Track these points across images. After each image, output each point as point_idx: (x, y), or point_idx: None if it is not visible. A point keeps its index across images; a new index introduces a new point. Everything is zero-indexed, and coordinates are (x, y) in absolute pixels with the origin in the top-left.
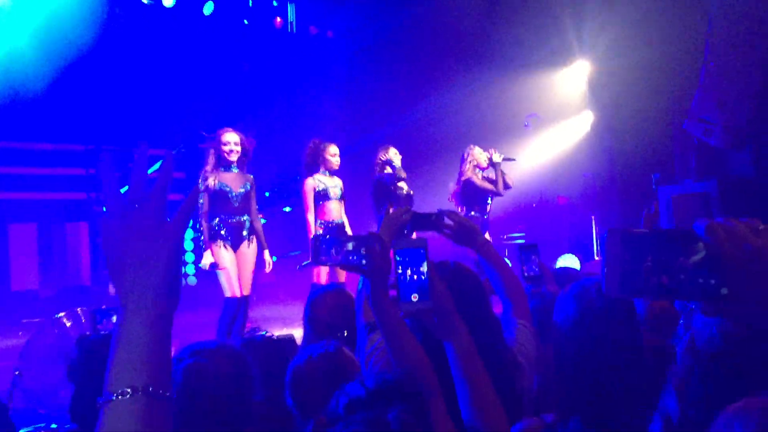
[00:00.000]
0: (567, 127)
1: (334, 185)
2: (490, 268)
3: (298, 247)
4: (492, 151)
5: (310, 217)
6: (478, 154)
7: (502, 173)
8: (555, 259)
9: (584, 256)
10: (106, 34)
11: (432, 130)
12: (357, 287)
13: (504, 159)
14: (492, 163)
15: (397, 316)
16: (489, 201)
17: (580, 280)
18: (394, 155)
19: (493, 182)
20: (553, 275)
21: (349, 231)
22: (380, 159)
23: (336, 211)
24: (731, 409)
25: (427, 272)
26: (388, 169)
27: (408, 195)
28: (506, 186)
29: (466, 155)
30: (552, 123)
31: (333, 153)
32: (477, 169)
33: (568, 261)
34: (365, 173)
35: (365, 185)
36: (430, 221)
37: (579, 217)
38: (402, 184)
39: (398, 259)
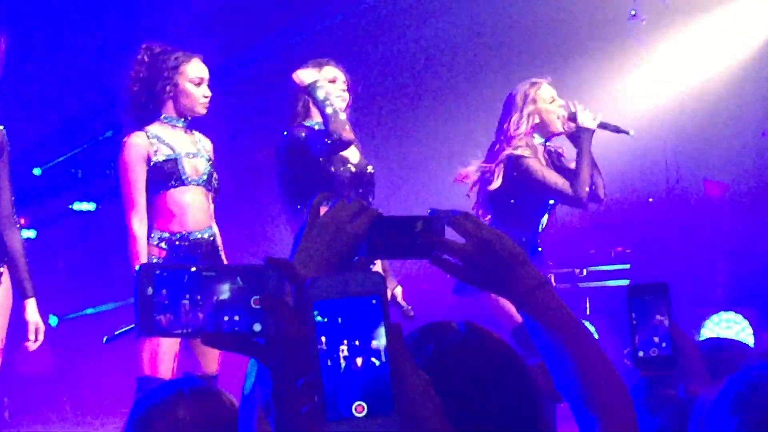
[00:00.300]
0: (718, 23)
1: (192, 151)
2: (551, 340)
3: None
4: (574, 105)
5: (136, 222)
6: (548, 102)
7: (594, 164)
8: (701, 319)
9: (761, 311)
10: None
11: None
12: (244, 383)
13: (606, 126)
14: (577, 130)
15: None
16: (546, 214)
17: (756, 368)
18: (330, 87)
19: (573, 173)
20: (700, 356)
21: (223, 257)
22: (299, 98)
23: (196, 209)
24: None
25: (386, 353)
26: (316, 119)
27: (363, 176)
28: (595, 197)
29: (518, 98)
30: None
31: (195, 76)
32: (539, 141)
33: (729, 326)
34: (263, 132)
35: (260, 156)
36: (412, 235)
37: (751, 227)
38: (351, 153)
39: (322, 320)
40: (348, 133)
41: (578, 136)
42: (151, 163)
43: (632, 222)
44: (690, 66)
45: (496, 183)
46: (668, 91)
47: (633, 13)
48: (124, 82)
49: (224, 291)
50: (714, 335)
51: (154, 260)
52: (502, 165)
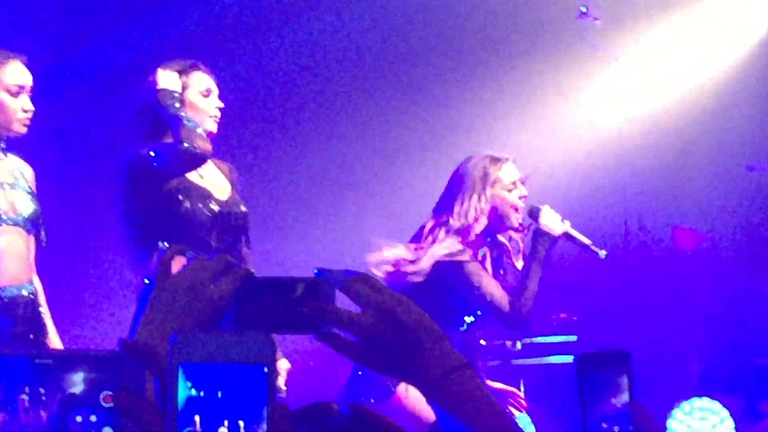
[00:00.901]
0: (692, 26)
1: (7, 180)
2: None
3: None
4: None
5: None
6: (508, 189)
7: (540, 276)
8: (667, 407)
9: (744, 397)
10: None
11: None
12: None
13: (572, 239)
14: (535, 233)
15: None
16: (469, 319)
17: None
18: (202, 102)
19: (516, 286)
20: None
21: (48, 323)
22: (150, 108)
23: (11, 257)
24: None
25: None
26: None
27: (230, 217)
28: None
29: (477, 175)
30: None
31: (12, 84)
32: (480, 230)
33: (704, 417)
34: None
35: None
36: (293, 302)
37: (732, 288)
38: (218, 186)
39: (195, 393)
40: (203, 143)
41: (535, 240)
42: None
43: (580, 281)
44: (657, 79)
45: (420, 277)
46: (629, 111)
47: (583, 9)
48: None
49: (76, 382)
50: (684, 429)
51: None
52: (437, 256)
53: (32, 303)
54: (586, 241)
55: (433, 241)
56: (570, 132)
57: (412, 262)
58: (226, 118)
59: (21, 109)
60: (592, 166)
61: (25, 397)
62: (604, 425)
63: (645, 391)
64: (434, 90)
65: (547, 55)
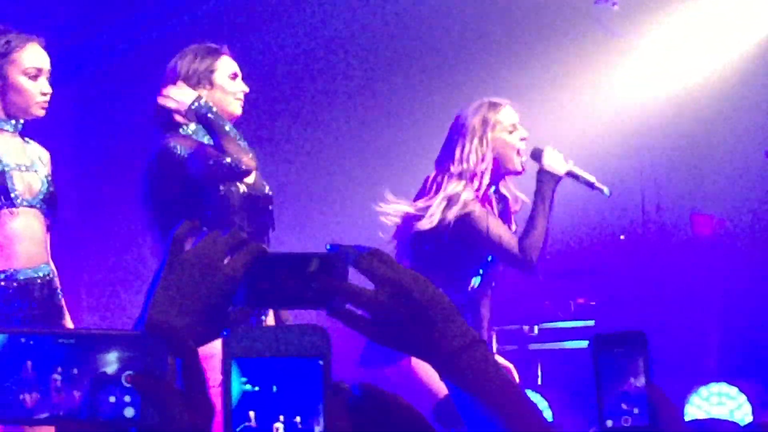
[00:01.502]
0: (711, 12)
1: (24, 163)
2: (484, 417)
3: None
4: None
5: None
6: (508, 131)
7: (547, 215)
8: (686, 392)
9: (762, 382)
10: None
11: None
12: None
13: (576, 177)
14: (539, 173)
15: None
16: (480, 273)
17: None
18: (232, 85)
19: (525, 227)
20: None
21: (63, 305)
22: (172, 96)
23: (28, 239)
24: None
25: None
26: (189, 130)
27: (259, 200)
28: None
29: (475, 122)
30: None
31: (31, 67)
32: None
33: (722, 402)
34: (125, 139)
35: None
36: (306, 277)
37: (750, 275)
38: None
39: (250, 388)
40: (248, 159)
41: (540, 180)
42: None
43: (598, 266)
44: (675, 66)
45: (428, 223)
46: (646, 97)
47: None
48: None
49: (110, 362)
50: (702, 414)
51: None
52: (444, 203)
53: (49, 285)
54: (591, 178)
55: (437, 191)
56: (588, 118)
57: (419, 216)
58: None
59: (40, 92)
60: (610, 151)
61: (57, 377)
62: (624, 406)
63: (663, 375)
64: (451, 76)
65: (565, 40)
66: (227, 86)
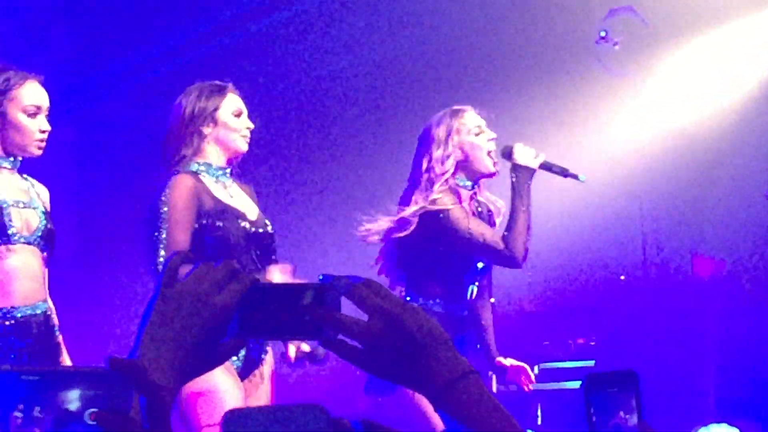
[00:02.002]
0: (713, 51)
1: (22, 199)
2: None
3: None
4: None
5: None
6: (474, 134)
7: (527, 209)
8: (686, 430)
9: (763, 423)
10: None
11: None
12: None
13: (549, 168)
14: (513, 169)
15: None
16: (476, 280)
17: None
18: (229, 119)
19: (506, 224)
20: None
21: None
22: (188, 126)
23: (26, 276)
24: None
25: None
26: (210, 158)
27: (260, 237)
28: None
29: (439, 130)
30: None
31: (30, 104)
32: (464, 183)
33: None
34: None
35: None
36: (298, 308)
37: (751, 316)
38: (248, 207)
39: None
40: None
41: (515, 176)
42: None
43: (598, 306)
44: (676, 104)
45: (406, 231)
46: (647, 135)
47: (603, 34)
48: None
49: (72, 399)
50: None
51: None
52: (418, 215)
53: (46, 322)
54: (564, 167)
55: (407, 204)
56: (589, 157)
57: (397, 224)
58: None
59: (38, 130)
60: (611, 191)
61: (18, 414)
62: None
63: (663, 416)
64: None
65: (566, 79)
66: (231, 123)
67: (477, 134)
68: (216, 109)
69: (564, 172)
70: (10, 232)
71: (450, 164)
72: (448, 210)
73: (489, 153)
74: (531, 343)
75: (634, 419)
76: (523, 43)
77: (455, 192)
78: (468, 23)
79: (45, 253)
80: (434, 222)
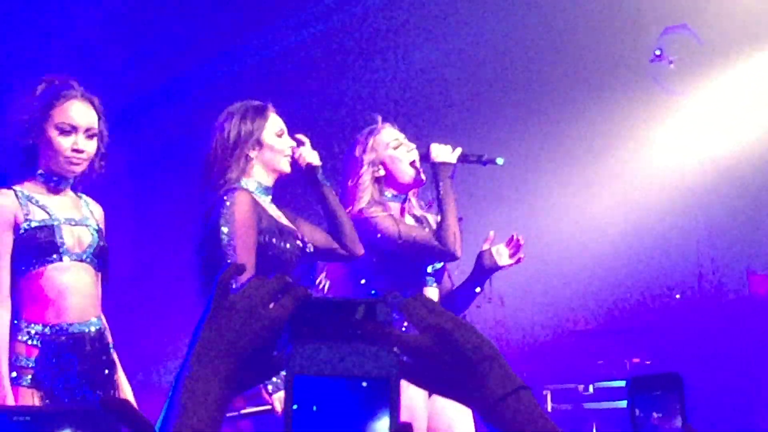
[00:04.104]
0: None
1: (74, 217)
2: None
3: None
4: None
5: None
6: (392, 148)
7: (453, 203)
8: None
9: None
10: None
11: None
12: None
13: (467, 158)
14: (433, 168)
15: None
16: (430, 276)
17: None
18: (273, 140)
19: (442, 219)
20: None
21: (115, 359)
22: (237, 147)
23: (78, 293)
24: None
25: None
26: (257, 178)
27: (306, 255)
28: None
29: (356, 151)
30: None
31: (64, 121)
32: (391, 196)
33: None
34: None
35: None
36: (350, 323)
37: None
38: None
39: (312, 408)
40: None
41: (435, 174)
42: (20, 231)
43: (653, 325)
44: (731, 121)
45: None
46: (703, 153)
47: (657, 53)
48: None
49: None
50: None
51: (23, 361)
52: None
53: (100, 339)
54: (480, 154)
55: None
56: (644, 174)
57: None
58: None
59: (70, 149)
60: (666, 209)
61: None
62: None
63: None
64: (504, 135)
65: (623, 98)
66: (276, 145)
67: (395, 147)
68: (261, 132)
69: (481, 160)
70: (62, 249)
71: (366, 180)
72: (374, 218)
73: (412, 163)
74: (586, 363)
75: (678, 421)
76: (579, 59)
77: (383, 204)
78: (526, 39)
79: (98, 271)
80: (367, 234)
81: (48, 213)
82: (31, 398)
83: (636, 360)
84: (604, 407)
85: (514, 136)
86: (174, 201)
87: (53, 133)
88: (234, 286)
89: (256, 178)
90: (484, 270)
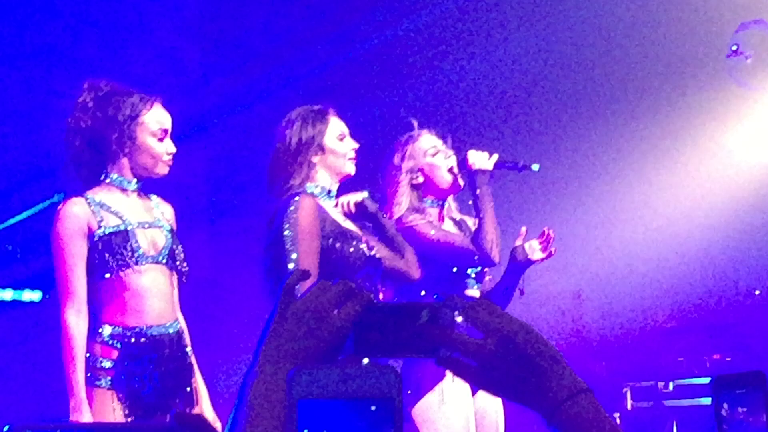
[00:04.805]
0: None
1: (147, 220)
2: None
3: None
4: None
5: (72, 316)
6: (430, 155)
7: (491, 210)
8: None
9: None
10: None
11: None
12: None
13: (504, 164)
14: (471, 176)
15: None
16: (471, 278)
17: None
18: (335, 144)
19: (481, 224)
20: None
21: (193, 361)
22: (300, 150)
23: (156, 295)
24: None
25: None
26: (321, 182)
27: (373, 260)
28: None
29: (395, 158)
30: None
31: (158, 128)
32: (431, 204)
33: None
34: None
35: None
36: (414, 327)
37: None
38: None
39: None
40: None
41: (473, 181)
42: (95, 238)
43: (733, 321)
44: None
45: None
46: None
47: (734, 48)
48: (64, 133)
49: None
50: None
51: (104, 363)
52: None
53: (178, 341)
54: (517, 161)
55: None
56: (720, 173)
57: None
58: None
59: (166, 152)
60: (743, 207)
61: None
62: None
63: None
64: (576, 134)
65: (696, 92)
66: (339, 149)
67: (433, 155)
68: (322, 136)
69: (518, 167)
70: (138, 253)
71: (404, 188)
72: (414, 225)
73: (450, 170)
74: (666, 360)
75: (763, 417)
76: (654, 56)
77: (422, 211)
78: (597, 36)
79: (174, 272)
80: (407, 241)
81: (121, 218)
82: (110, 400)
83: (716, 357)
84: (684, 404)
85: (593, 135)
86: (249, 204)
87: (149, 141)
88: (299, 293)
89: (320, 183)
90: (517, 265)
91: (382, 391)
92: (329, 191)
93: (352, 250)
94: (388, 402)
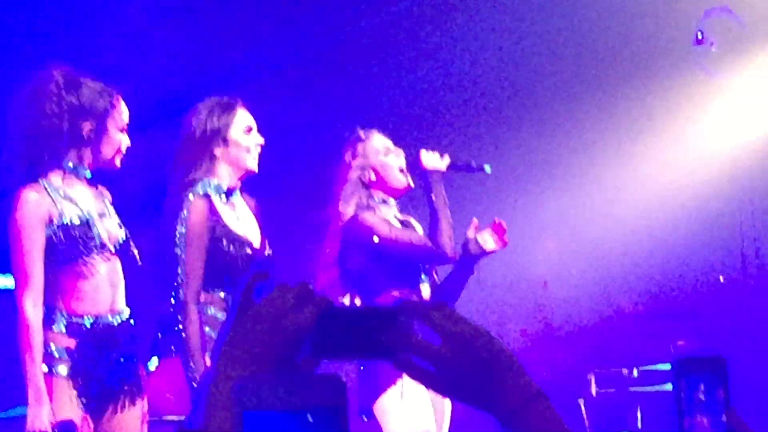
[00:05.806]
0: None
1: (102, 210)
2: None
3: None
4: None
5: (29, 304)
6: (382, 154)
7: (445, 208)
8: None
9: None
10: None
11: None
12: None
13: (457, 166)
14: (423, 176)
15: None
16: (423, 278)
17: None
18: (239, 137)
19: (434, 222)
20: None
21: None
22: (208, 142)
23: (113, 285)
24: None
25: None
26: (221, 179)
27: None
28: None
29: (346, 156)
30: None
31: (124, 123)
32: (377, 195)
33: None
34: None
35: None
36: (371, 331)
37: None
38: (254, 232)
39: None
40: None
41: (426, 181)
42: (54, 226)
43: (697, 307)
44: None
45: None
46: (746, 136)
47: (699, 36)
48: (20, 116)
49: None
50: None
51: (61, 352)
52: (343, 225)
53: (131, 328)
54: (469, 162)
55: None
56: (685, 159)
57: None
58: None
59: (126, 145)
60: (709, 192)
61: None
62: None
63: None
64: (540, 123)
65: (661, 80)
66: (242, 141)
67: (385, 154)
68: (227, 129)
69: (470, 167)
70: (97, 243)
71: (353, 184)
72: (367, 219)
73: (400, 170)
74: (631, 346)
75: (722, 404)
76: (618, 44)
77: (372, 208)
78: (563, 25)
79: (124, 261)
80: (359, 235)
81: (80, 208)
82: (68, 388)
83: (680, 343)
84: (649, 391)
85: (557, 124)
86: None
87: (114, 132)
88: (190, 292)
89: (220, 179)
90: (470, 257)
91: (328, 400)
92: (227, 191)
93: (239, 252)
94: (335, 410)
